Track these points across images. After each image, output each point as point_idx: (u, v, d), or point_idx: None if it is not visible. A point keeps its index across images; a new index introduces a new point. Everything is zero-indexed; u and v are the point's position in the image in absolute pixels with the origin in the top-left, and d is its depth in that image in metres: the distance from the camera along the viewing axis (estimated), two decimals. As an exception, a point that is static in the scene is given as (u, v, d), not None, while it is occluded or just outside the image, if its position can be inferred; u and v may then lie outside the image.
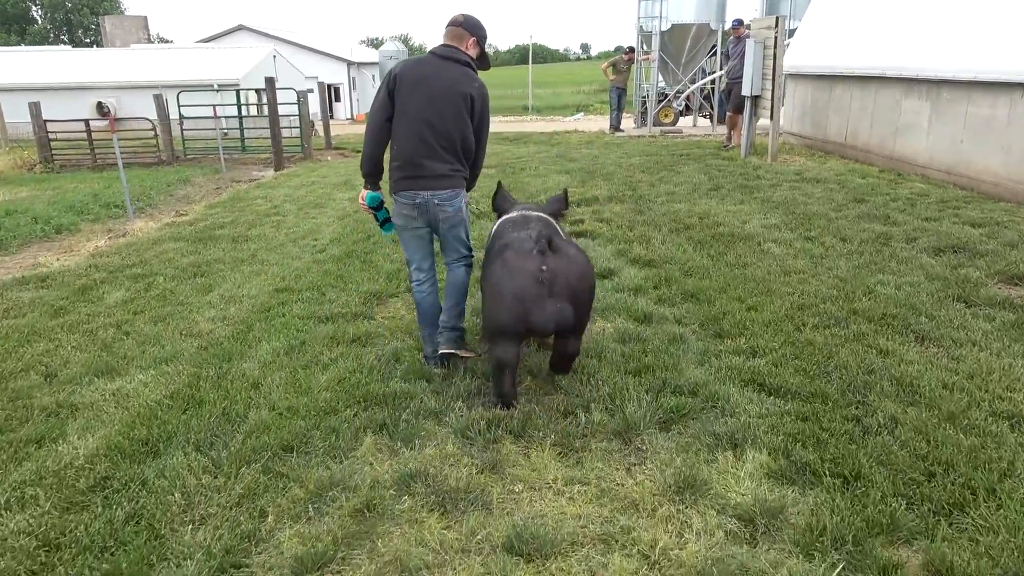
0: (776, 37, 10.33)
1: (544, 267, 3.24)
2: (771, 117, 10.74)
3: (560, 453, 3.10)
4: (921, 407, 3.28)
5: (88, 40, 63.50)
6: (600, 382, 3.66)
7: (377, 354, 4.19)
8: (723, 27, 17.12)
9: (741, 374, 3.69)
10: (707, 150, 12.82)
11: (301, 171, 13.53)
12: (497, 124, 29.57)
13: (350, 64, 48.19)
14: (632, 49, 17.76)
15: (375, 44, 65.65)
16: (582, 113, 33.87)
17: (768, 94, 10.78)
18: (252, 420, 3.37)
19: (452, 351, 3.84)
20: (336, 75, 47.96)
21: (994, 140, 8.10)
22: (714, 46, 17.80)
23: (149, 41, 43.50)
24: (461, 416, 3.39)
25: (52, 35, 66.54)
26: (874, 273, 5.33)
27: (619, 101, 17.70)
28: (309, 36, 48.31)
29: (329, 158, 16.76)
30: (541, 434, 3.22)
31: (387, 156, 3.80)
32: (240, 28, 45.30)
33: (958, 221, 6.65)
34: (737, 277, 5.40)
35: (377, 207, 3.94)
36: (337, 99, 48.51)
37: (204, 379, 3.84)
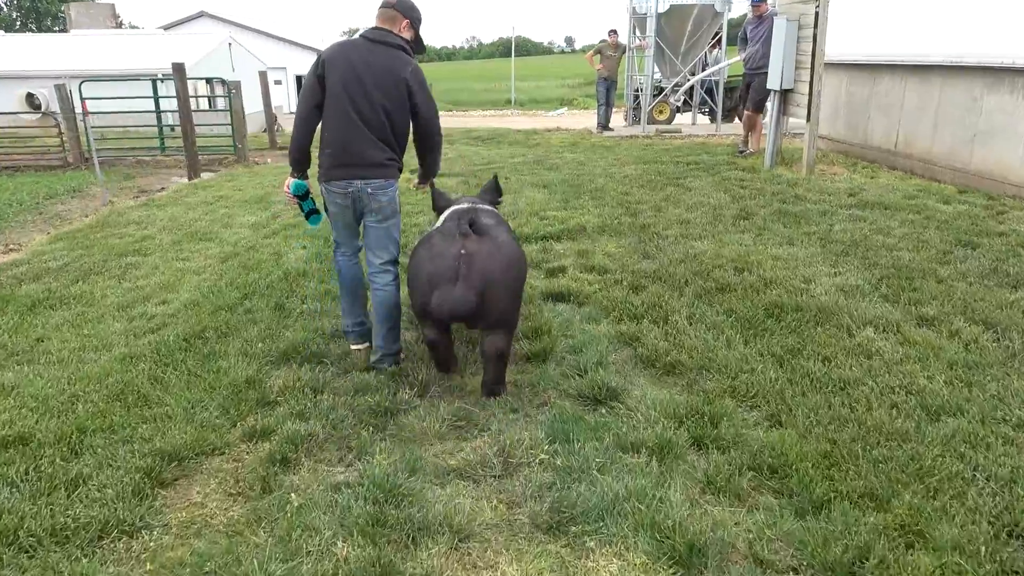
0: (817, 13, 7.93)
1: (463, 251, 3.10)
2: (808, 118, 8.34)
3: None
4: None
5: (57, 28, 60.08)
6: None
7: None
8: (729, 9, 14.70)
9: None
10: (718, 156, 10.39)
11: (218, 180, 10.96)
12: (475, 119, 26.96)
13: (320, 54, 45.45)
14: (615, 32, 15.14)
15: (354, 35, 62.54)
16: (565, 108, 31.54)
17: (804, 88, 8.38)
18: None
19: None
20: (306, 65, 45.20)
21: None
22: (718, 32, 15.39)
23: (119, 27, 40.54)
24: None
25: (19, 23, 63.11)
26: (1099, 420, 2.91)
27: (607, 95, 15.21)
28: (277, 24, 45.65)
29: (269, 160, 14.20)
30: None
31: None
32: (202, 15, 42.64)
33: None
34: (840, 419, 2.98)
35: (303, 196, 3.74)
36: (307, 91, 45.77)
37: None
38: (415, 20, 3.56)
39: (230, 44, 28.88)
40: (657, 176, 8.96)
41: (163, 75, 22.65)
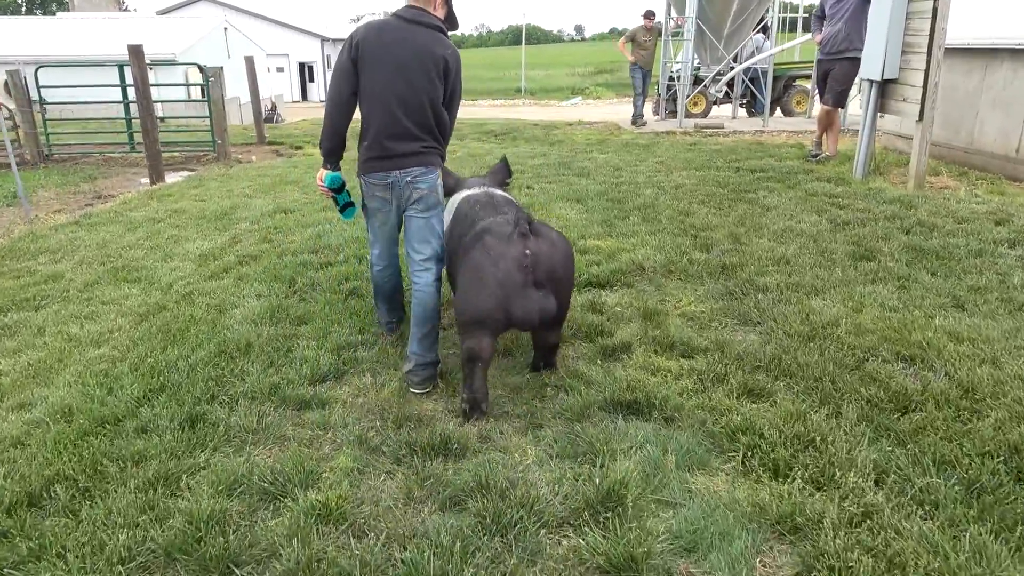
0: (940, -20, 6.09)
1: (527, 252, 2.92)
2: (920, 116, 6.50)
3: None
4: None
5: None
6: None
7: None
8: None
9: None
10: (786, 161, 8.56)
11: (181, 187, 9.16)
12: (484, 109, 25.12)
13: (324, 40, 43.54)
14: (651, 14, 13.16)
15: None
16: (579, 98, 29.75)
17: (914, 78, 6.54)
18: None
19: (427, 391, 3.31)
20: (309, 52, 43.48)
21: None
22: (764, 17, 13.52)
23: (123, 11, 38.83)
24: None
25: (24, 8, 61.71)
26: None
27: (643, 85, 13.33)
28: (278, 9, 43.77)
29: (254, 158, 12.43)
30: None
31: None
32: (200, -2, 40.83)
33: None
34: None
35: (338, 189, 3.50)
36: (311, 79, 43.91)
37: None
38: None
39: (225, 29, 27.10)
40: (719, 188, 7.15)
41: (152, 60, 20.82)
